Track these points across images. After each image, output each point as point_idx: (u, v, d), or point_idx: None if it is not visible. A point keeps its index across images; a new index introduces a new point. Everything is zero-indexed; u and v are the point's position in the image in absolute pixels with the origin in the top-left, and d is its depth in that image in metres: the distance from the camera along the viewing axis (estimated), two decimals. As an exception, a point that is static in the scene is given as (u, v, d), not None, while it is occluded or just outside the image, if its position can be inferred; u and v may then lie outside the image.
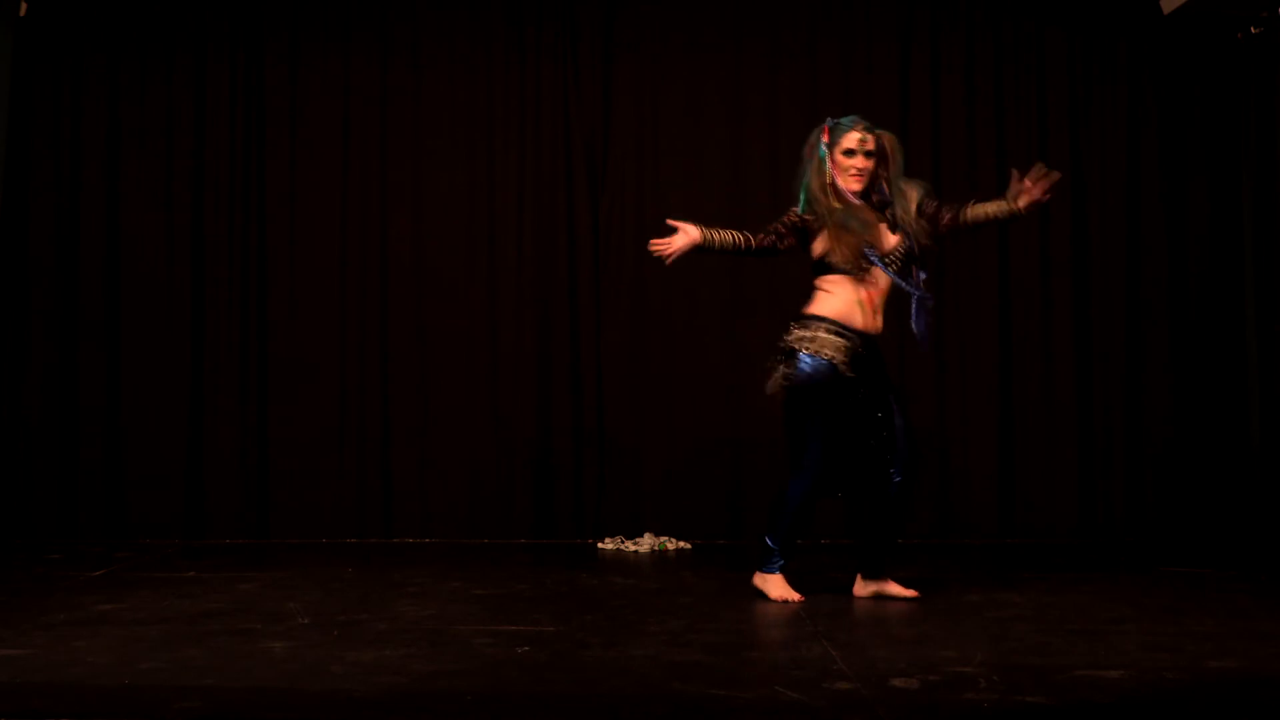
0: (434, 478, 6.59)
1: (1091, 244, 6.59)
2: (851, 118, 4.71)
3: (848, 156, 4.64)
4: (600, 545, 6.35)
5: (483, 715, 3.20)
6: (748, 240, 4.67)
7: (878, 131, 4.70)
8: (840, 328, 4.60)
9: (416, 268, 6.64)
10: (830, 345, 4.57)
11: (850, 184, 4.63)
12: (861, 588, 4.78)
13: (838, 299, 4.64)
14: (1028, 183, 4.56)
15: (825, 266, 4.65)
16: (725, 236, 4.65)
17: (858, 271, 4.61)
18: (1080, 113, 6.62)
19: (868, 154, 4.66)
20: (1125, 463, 6.54)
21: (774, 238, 4.67)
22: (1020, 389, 6.56)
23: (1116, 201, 6.60)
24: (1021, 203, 4.59)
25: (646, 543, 6.27)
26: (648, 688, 3.44)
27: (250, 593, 4.91)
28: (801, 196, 4.68)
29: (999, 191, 6.39)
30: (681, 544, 6.31)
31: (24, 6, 6.48)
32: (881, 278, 4.63)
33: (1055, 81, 6.62)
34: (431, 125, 6.67)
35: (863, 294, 4.63)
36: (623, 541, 6.35)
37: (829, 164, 4.64)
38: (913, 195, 4.69)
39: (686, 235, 4.61)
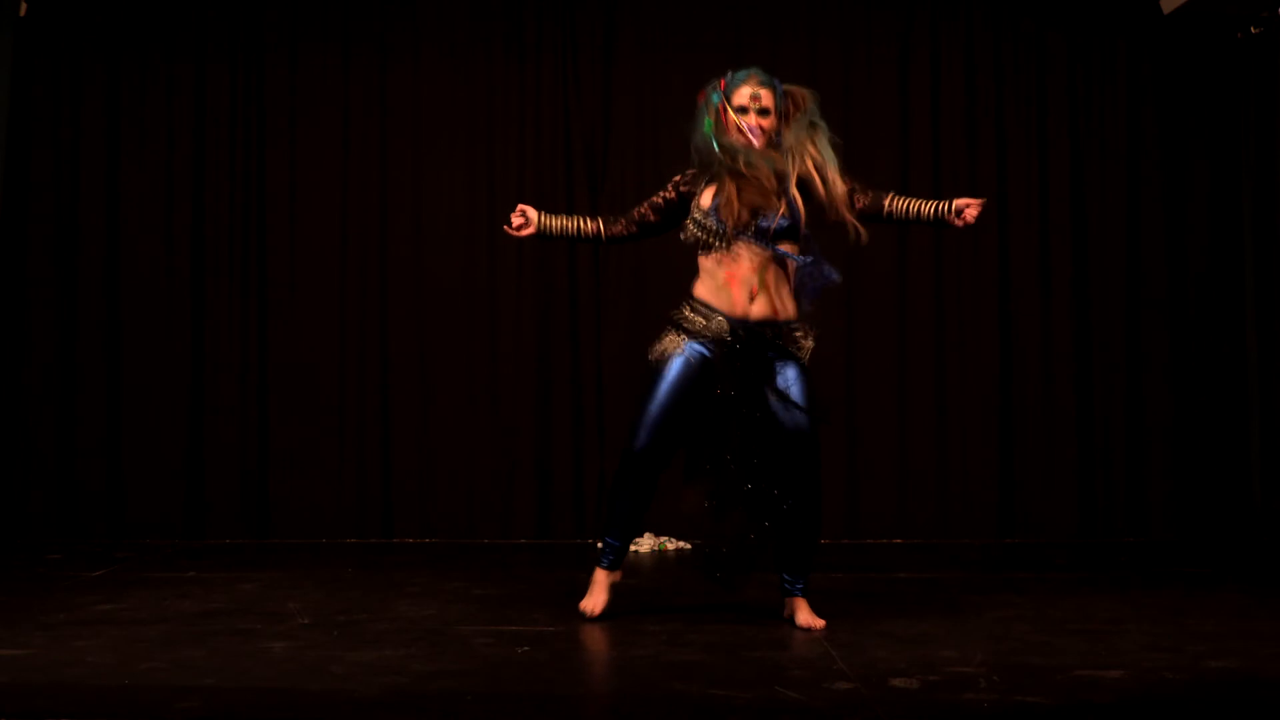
0: (434, 478, 6.59)
1: (1091, 244, 6.59)
2: (749, 70, 4.15)
3: (740, 114, 4.08)
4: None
5: (483, 715, 3.20)
6: (597, 230, 4.31)
7: (785, 87, 4.13)
8: (708, 309, 4.14)
9: (416, 268, 6.64)
10: (694, 327, 4.15)
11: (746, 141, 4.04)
12: None
13: (707, 278, 4.17)
14: (970, 201, 4.16)
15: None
16: (568, 225, 4.31)
17: (716, 243, 4.08)
18: (1080, 113, 6.62)
19: (762, 111, 4.09)
20: (1125, 463, 6.54)
21: (632, 226, 4.29)
22: (1020, 389, 6.55)
23: (1116, 201, 6.60)
24: (962, 219, 4.12)
25: (646, 543, 6.26)
26: (648, 688, 3.44)
27: (250, 593, 4.90)
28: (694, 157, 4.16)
29: (999, 191, 6.55)
30: (681, 544, 6.30)
31: (24, 6, 6.47)
32: (744, 253, 4.08)
33: (1055, 81, 6.62)
34: (431, 125, 6.67)
35: (722, 273, 4.12)
36: (623, 541, 6.35)
37: (723, 116, 4.08)
38: (824, 167, 4.05)
39: (529, 224, 4.30)
